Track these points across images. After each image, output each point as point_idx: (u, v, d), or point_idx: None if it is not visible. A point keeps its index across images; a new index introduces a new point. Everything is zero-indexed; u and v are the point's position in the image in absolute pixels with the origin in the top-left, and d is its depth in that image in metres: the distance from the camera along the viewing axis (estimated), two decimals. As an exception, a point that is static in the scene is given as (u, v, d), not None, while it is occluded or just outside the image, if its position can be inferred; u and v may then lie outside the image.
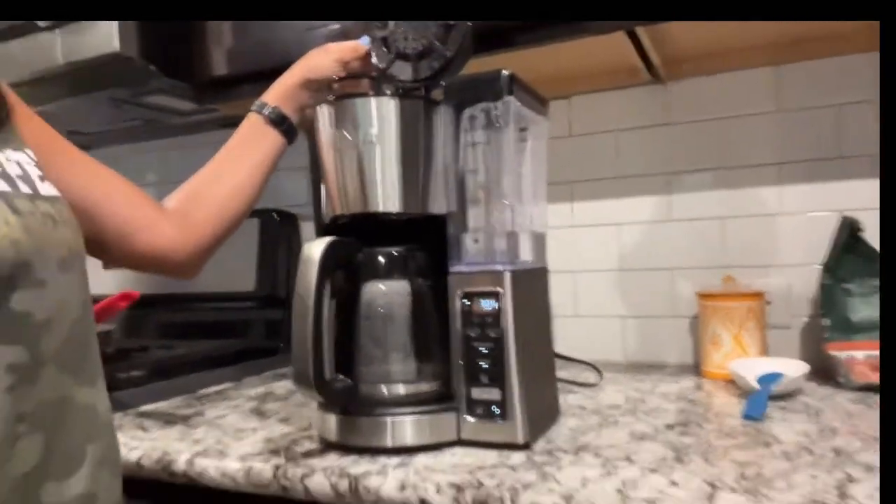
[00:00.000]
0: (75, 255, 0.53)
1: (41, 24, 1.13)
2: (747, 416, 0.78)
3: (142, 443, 0.80)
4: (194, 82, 1.20)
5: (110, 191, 0.70)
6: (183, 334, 1.45)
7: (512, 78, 0.72)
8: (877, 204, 1.03)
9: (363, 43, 0.83)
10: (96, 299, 0.70)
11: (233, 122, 1.51)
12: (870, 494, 0.54)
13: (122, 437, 0.81)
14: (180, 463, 0.73)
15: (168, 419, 0.92)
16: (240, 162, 0.80)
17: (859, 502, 0.53)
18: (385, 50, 0.83)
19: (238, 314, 1.44)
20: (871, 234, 0.96)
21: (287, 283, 1.42)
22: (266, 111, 0.80)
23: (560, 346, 1.20)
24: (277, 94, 0.81)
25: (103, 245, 0.69)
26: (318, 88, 0.80)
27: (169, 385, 1.10)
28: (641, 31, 0.93)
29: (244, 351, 1.34)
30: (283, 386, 1.12)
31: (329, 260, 0.69)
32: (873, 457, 0.63)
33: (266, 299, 1.40)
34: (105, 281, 1.17)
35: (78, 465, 0.50)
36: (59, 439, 0.49)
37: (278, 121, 0.80)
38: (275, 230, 1.42)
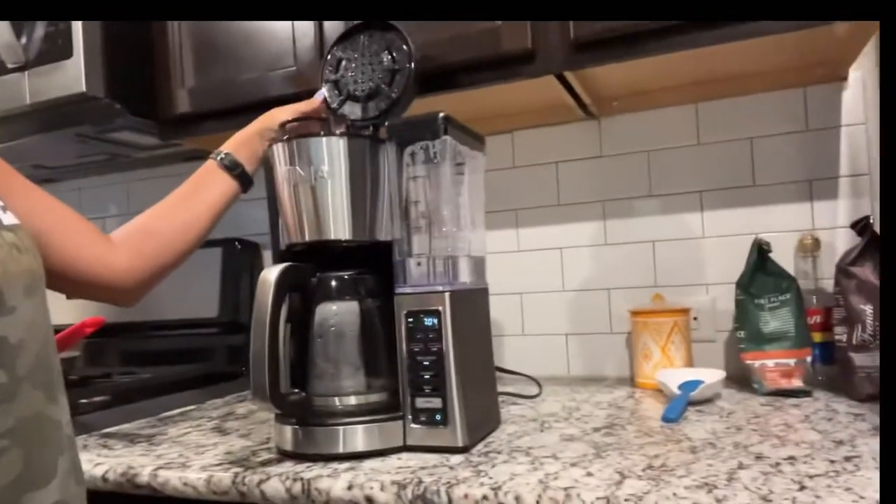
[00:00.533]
0: (38, 280, 0.58)
1: (9, 65, 1.18)
2: (665, 419, 0.87)
3: (107, 459, 0.84)
4: (159, 119, 1.27)
5: (61, 222, 0.74)
6: (146, 361, 1.49)
7: (447, 119, 0.81)
8: (784, 227, 1.14)
9: (318, 97, 0.91)
10: (58, 329, 0.74)
11: (195, 156, 1.60)
12: (754, 478, 0.63)
13: (87, 455, 0.86)
14: (144, 475, 0.79)
15: (132, 438, 0.96)
16: (191, 202, 0.86)
17: (744, 484, 0.61)
18: (336, 92, 0.92)
19: (201, 340, 1.48)
20: (780, 255, 1.07)
21: (249, 310, 1.47)
22: (220, 157, 0.88)
23: (508, 362, 1.29)
24: (234, 142, 0.90)
25: (53, 275, 0.73)
26: (274, 139, 0.87)
27: (132, 409, 1.14)
28: (570, 75, 1.03)
29: (207, 376, 1.38)
30: (245, 406, 1.17)
31: (284, 283, 0.76)
32: (767, 448, 0.72)
33: (228, 325, 1.45)
34: (67, 310, 1.21)
35: (52, 475, 0.55)
36: (36, 452, 0.54)
37: (231, 166, 0.88)
38: (237, 258, 1.48)
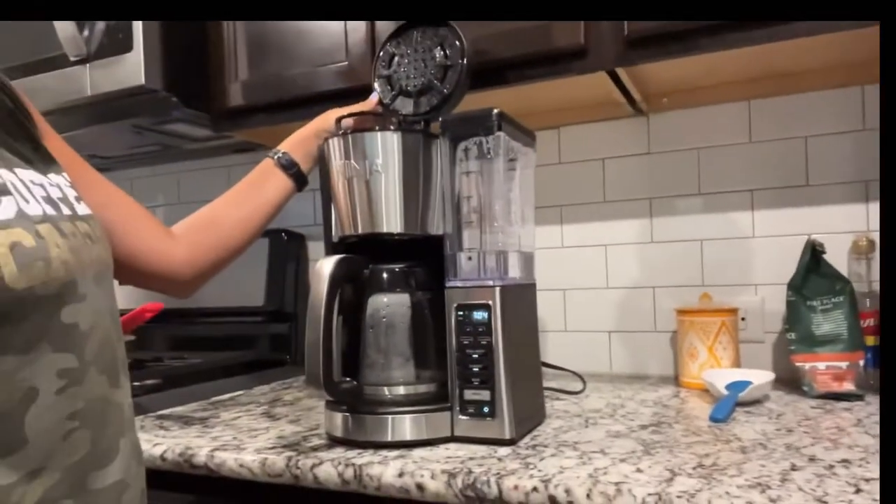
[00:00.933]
0: (107, 268, 0.60)
1: (72, 58, 1.23)
2: (713, 419, 0.87)
3: (164, 440, 0.88)
4: (212, 112, 1.30)
5: (127, 213, 0.77)
6: (194, 347, 1.54)
7: (501, 115, 0.81)
8: (838, 228, 1.12)
9: (373, 97, 0.92)
10: (121, 312, 0.78)
11: (245, 148, 1.63)
12: (808, 479, 0.62)
13: (145, 435, 0.90)
14: (201, 456, 0.81)
15: (186, 420, 1.00)
16: (248, 199, 0.89)
17: (798, 485, 0.61)
18: (389, 87, 0.93)
19: (247, 328, 1.52)
20: (833, 256, 1.05)
21: (294, 299, 1.50)
22: (277, 156, 0.91)
23: (550, 358, 1.29)
24: (291, 142, 0.92)
25: (116, 263, 0.76)
26: (328, 137, 0.89)
27: (183, 392, 1.18)
28: (621, 71, 1.02)
29: (253, 362, 1.42)
30: (291, 393, 1.20)
31: (338, 275, 0.78)
32: (820, 451, 0.72)
33: (274, 314, 1.49)
34: (126, 294, 1.25)
35: (115, 455, 0.58)
36: (102, 433, 0.56)
37: (287, 165, 0.90)
38: (283, 249, 1.51)
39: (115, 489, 0.58)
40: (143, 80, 1.17)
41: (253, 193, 0.90)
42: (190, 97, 1.27)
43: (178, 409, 1.09)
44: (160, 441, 0.87)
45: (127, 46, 1.18)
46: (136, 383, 1.13)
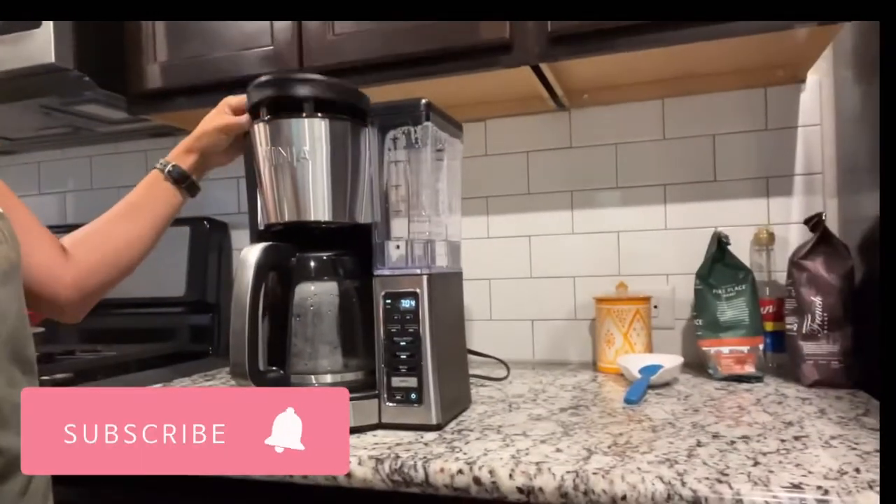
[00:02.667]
0: (14, 268, 0.58)
1: (-28, 32, 1.15)
2: (627, 401, 0.92)
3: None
4: (128, 93, 1.25)
5: (25, 230, 0.69)
6: (111, 339, 1.47)
7: (429, 105, 0.83)
8: (741, 221, 1.20)
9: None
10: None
11: (163, 133, 1.57)
12: (711, 454, 0.67)
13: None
14: (119, 450, 0.79)
15: (102, 415, 0.96)
16: (137, 216, 0.84)
17: (702, 460, 0.66)
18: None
19: (167, 319, 1.47)
20: (736, 247, 1.12)
21: (217, 289, 1.47)
22: (167, 169, 0.87)
23: (476, 346, 1.32)
24: (178, 152, 0.88)
25: None
26: (214, 140, 0.88)
27: (97, 386, 1.13)
28: (544, 67, 1.05)
29: (172, 355, 1.38)
30: (214, 385, 1.17)
31: (264, 263, 0.77)
32: (723, 428, 0.77)
33: (195, 304, 1.45)
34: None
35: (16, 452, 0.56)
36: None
37: (179, 178, 0.87)
38: (205, 237, 1.47)
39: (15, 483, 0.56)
40: (52, 58, 1.11)
41: (142, 210, 0.85)
42: (104, 77, 1.21)
43: (93, 403, 1.04)
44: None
45: (35, 22, 1.11)
46: (45, 377, 1.08)
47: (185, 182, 0.87)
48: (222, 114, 0.89)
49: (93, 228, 0.82)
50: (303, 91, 0.81)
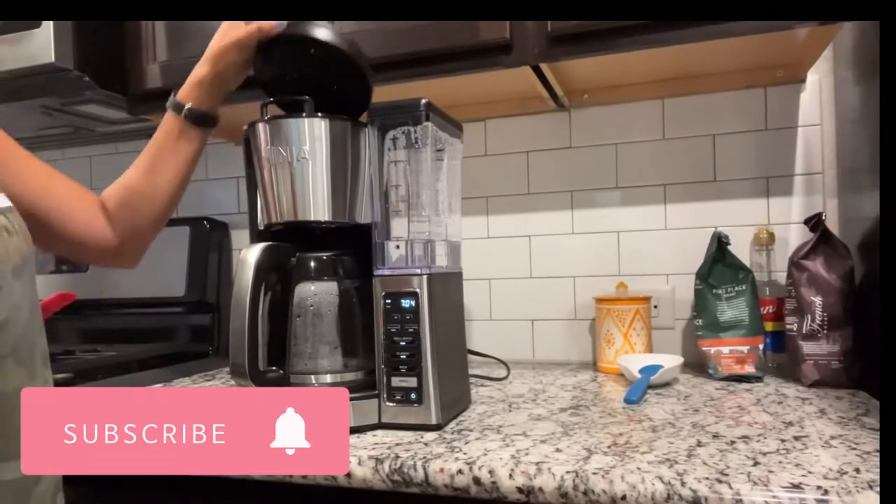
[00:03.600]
0: (26, 261, 0.58)
1: (-27, 32, 1.15)
2: (627, 401, 0.92)
3: (79, 435, 0.84)
4: (128, 93, 1.25)
5: (61, 199, 0.76)
6: (111, 339, 1.47)
7: (429, 105, 0.83)
8: (741, 221, 1.20)
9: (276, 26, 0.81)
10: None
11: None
12: (711, 454, 0.67)
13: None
14: (119, 450, 0.79)
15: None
16: (165, 168, 0.84)
17: (702, 460, 0.66)
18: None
19: (167, 319, 1.47)
20: (736, 247, 1.12)
21: (217, 289, 1.47)
22: (184, 113, 0.83)
23: (476, 346, 1.32)
24: (190, 86, 0.84)
25: (50, 241, 0.76)
26: (233, 60, 0.82)
27: (97, 386, 1.13)
28: (544, 67, 1.05)
29: (172, 355, 1.38)
30: (214, 385, 1.17)
31: (264, 263, 0.77)
32: (723, 428, 0.77)
33: (195, 304, 1.45)
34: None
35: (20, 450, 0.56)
36: (9, 425, 0.54)
37: (198, 120, 0.83)
38: (205, 237, 1.47)
39: (25, 481, 0.56)
40: (52, 58, 1.11)
41: (169, 161, 0.84)
42: (104, 77, 1.21)
43: (93, 403, 1.04)
44: (74, 436, 0.84)
45: (35, 22, 1.11)
46: (45, 377, 1.08)
47: (204, 122, 0.84)
48: (237, 26, 0.81)
49: (130, 185, 0.83)
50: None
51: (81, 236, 0.78)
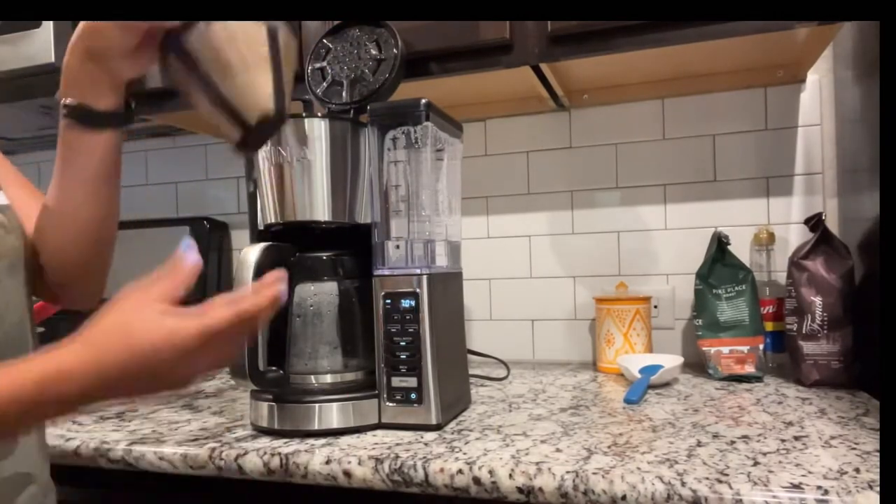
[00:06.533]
0: (21, 259, 0.58)
1: (-27, 32, 1.15)
2: (627, 401, 0.92)
3: (78, 434, 0.84)
4: (127, 93, 1.24)
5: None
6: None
7: (429, 105, 0.82)
8: (741, 221, 1.20)
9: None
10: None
11: (163, 133, 1.57)
12: (711, 454, 0.67)
13: (57, 430, 0.86)
14: (118, 450, 0.79)
15: (101, 415, 0.96)
16: (68, 176, 0.63)
17: (702, 460, 0.66)
18: (321, 77, 0.93)
19: (166, 319, 1.47)
20: (736, 247, 1.12)
21: (217, 290, 1.47)
22: (64, 112, 0.60)
23: (476, 346, 1.32)
24: (68, 77, 0.59)
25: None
26: (112, 39, 0.57)
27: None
28: (544, 67, 1.05)
29: (172, 354, 1.37)
30: (214, 385, 1.17)
31: (264, 262, 0.77)
32: (723, 428, 0.77)
33: (196, 305, 1.44)
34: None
35: (14, 447, 0.56)
36: None
37: (86, 119, 0.60)
38: (205, 237, 1.47)
39: (15, 481, 0.56)
40: (52, 58, 1.11)
41: (67, 171, 0.62)
42: (104, 78, 1.20)
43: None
44: (73, 436, 0.83)
45: (35, 22, 1.11)
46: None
47: (91, 121, 0.60)
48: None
49: (44, 206, 0.65)
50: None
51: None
